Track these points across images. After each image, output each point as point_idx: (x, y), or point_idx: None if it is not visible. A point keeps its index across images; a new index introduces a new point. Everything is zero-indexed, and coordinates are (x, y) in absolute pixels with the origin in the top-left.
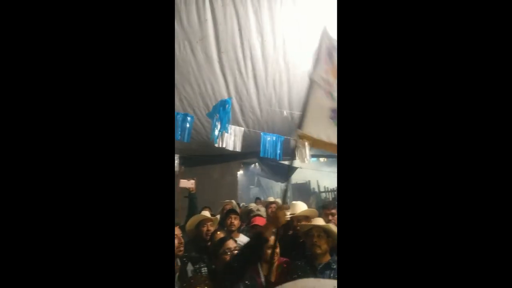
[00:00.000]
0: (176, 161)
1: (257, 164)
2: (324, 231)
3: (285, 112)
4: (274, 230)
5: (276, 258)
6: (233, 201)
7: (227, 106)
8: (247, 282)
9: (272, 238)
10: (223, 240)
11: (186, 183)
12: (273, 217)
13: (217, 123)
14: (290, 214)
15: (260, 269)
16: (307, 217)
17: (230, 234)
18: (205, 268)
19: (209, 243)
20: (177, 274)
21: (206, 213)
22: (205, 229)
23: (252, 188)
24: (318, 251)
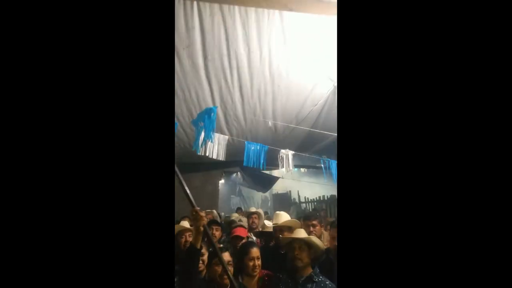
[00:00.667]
0: None
1: (239, 173)
2: (306, 243)
3: (270, 123)
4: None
5: (257, 270)
6: (214, 211)
7: (212, 114)
8: None
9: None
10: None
11: None
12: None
13: (201, 131)
14: (273, 224)
15: (242, 282)
16: (289, 228)
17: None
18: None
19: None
20: None
21: (185, 223)
22: (183, 240)
23: (233, 197)
24: (300, 264)
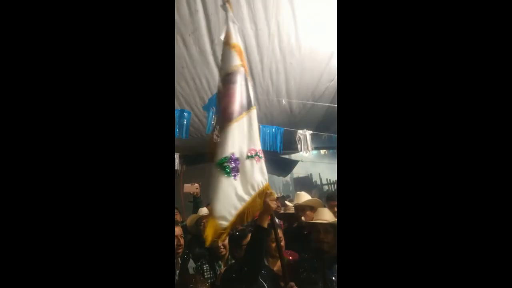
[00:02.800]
0: (177, 160)
1: None
2: (331, 225)
3: (284, 101)
4: (269, 218)
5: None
6: None
7: None
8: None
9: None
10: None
11: (190, 188)
12: (265, 206)
13: (213, 116)
14: (294, 204)
15: (268, 264)
16: (311, 208)
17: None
18: (207, 265)
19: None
20: (177, 272)
21: (205, 210)
22: (202, 226)
23: None
24: (326, 247)
